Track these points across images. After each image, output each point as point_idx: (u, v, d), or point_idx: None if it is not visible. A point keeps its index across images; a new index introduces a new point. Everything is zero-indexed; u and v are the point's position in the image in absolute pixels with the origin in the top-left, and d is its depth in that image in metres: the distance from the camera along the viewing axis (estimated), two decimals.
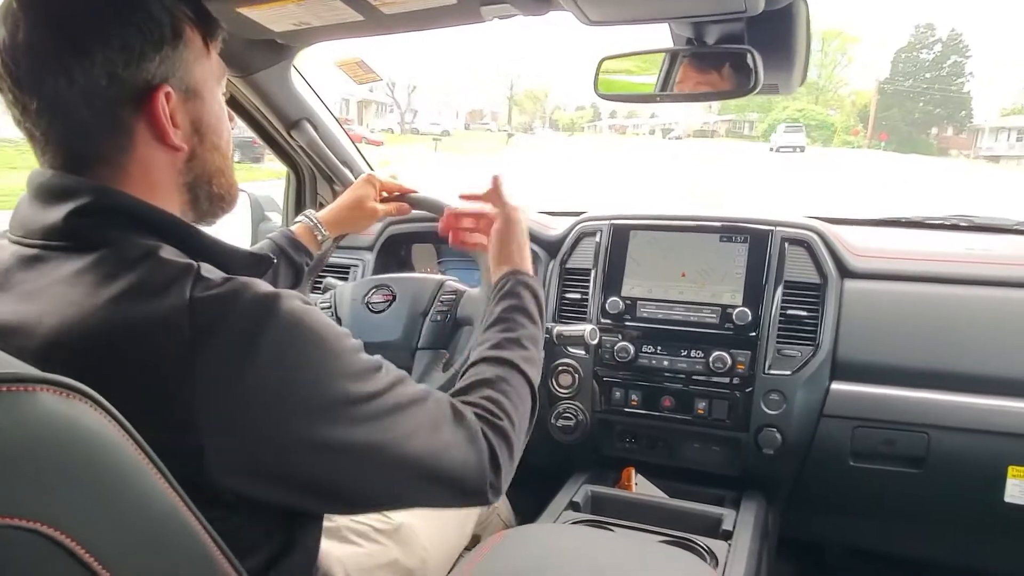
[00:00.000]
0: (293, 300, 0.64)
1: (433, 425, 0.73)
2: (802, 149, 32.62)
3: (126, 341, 0.59)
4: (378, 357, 0.72)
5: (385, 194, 1.34)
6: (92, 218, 0.64)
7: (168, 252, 0.64)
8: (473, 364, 0.90)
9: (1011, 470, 1.30)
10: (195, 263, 0.63)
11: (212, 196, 0.77)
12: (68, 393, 0.49)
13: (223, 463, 0.59)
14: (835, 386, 1.40)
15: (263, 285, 0.64)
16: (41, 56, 0.64)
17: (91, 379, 0.51)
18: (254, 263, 0.73)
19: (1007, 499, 1.30)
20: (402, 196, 1.34)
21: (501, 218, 1.11)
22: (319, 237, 1.24)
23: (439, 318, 1.28)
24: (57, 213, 0.64)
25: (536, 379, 0.93)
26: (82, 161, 0.67)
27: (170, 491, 0.54)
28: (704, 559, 1.18)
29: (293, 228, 1.24)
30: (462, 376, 0.89)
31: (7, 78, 0.64)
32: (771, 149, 33.58)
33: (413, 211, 1.33)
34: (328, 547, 0.95)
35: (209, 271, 0.63)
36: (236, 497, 0.62)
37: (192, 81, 0.71)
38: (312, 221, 1.25)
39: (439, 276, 1.39)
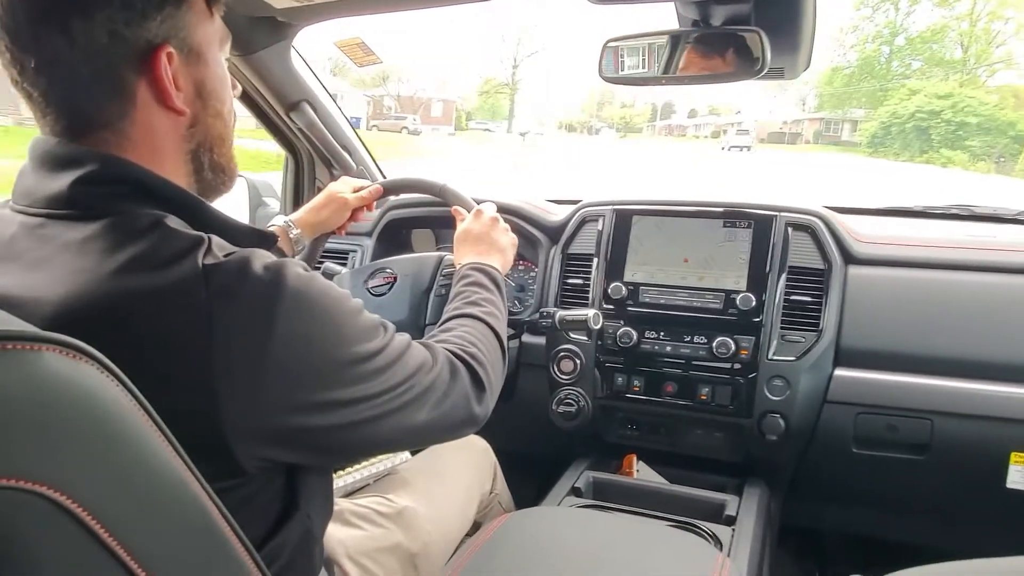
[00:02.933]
0: (298, 267, 0.66)
1: (422, 368, 0.78)
2: (749, 148, 33.00)
3: (139, 308, 0.59)
4: (376, 316, 0.76)
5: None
6: (98, 187, 0.64)
7: (175, 223, 0.64)
8: (439, 325, 0.98)
9: (1014, 456, 1.30)
10: (205, 235, 0.64)
11: (215, 166, 0.75)
12: (74, 354, 0.47)
13: (239, 425, 0.60)
14: (838, 372, 1.40)
15: (268, 255, 0.65)
16: (40, 11, 0.62)
17: (101, 346, 0.50)
18: (259, 239, 0.73)
19: (1009, 485, 1.30)
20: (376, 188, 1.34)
21: (468, 217, 1.20)
22: (291, 235, 1.23)
23: (443, 292, 1.27)
24: (62, 181, 0.63)
25: (500, 329, 0.99)
26: (84, 125, 0.66)
27: (176, 458, 0.53)
28: (708, 543, 1.17)
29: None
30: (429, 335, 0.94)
31: (4, 35, 0.62)
32: (722, 148, 33.33)
33: (412, 196, 1.32)
34: (330, 530, 0.94)
35: (218, 244, 0.64)
36: (251, 460, 0.62)
37: (194, 43, 0.69)
38: (285, 222, 1.25)
39: (437, 253, 1.38)
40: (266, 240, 0.74)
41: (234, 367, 0.59)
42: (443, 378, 0.81)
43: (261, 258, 0.63)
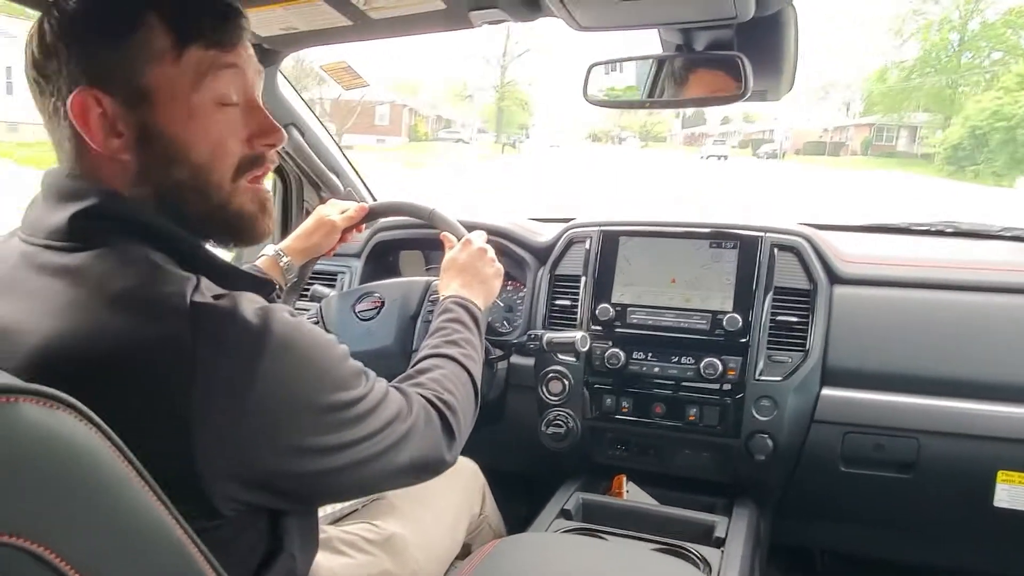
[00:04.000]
0: (284, 313, 0.66)
1: (399, 416, 0.78)
2: (725, 158, 32.39)
3: (121, 343, 0.59)
4: (359, 363, 0.76)
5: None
6: (95, 221, 0.65)
7: (164, 261, 0.65)
8: (415, 364, 0.97)
9: (1000, 475, 1.30)
10: (194, 275, 0.64)
11: (198, 217, 0.70)
12: (52, 404, 0.47)
13: (216, 468, 0.60)
14: (825, 392, 1.40)
15: (257, 299, 0.65)
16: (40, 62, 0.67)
17: (83, 384, 0.51)
18: (257, 286, 0.72)
19: (996, 504, 1.31)
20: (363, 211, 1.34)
21: (456, 246, 1.20)
22: (282, 263, 1.23)
23: (430, 318, 1.28)
24: (63, 214, 0.65)
25: (475, 373, 0.99)
26: (80, 161, 0.68)
27: (157, 503, 0.53)
28: (697, 566, 1.17)
29: (258, 263, 1.23)
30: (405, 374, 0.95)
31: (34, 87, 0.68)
32: (701, 157, 32.47)
33: (400, 218, 1.32)
34: (318, 559, 0.94)
35: (207, 285, 0.64)
36: (227, 502, 0.62)
37: (143, 84, 0.65)
38: (275, 252, 1.24)
39: (425, 278, 1.38)
40: (264, 287, 0.73)
41: (214, 410, 0.59)
42: (418, 426, 0.81)
43: (250, 302, 0.64)
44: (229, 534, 0.65)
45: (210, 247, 0.73)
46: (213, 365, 0.59)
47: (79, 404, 0.49)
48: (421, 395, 0.86)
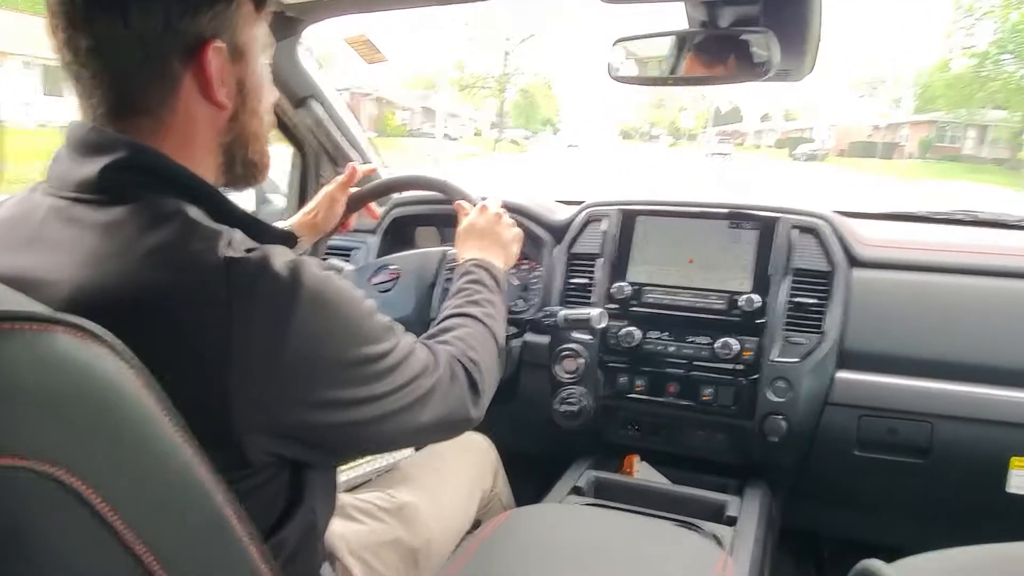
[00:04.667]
0: (315, 267, 0.67)
1: (425, 371, 0.79)
2: (727, 155, 32.57)
3: (157, 296, 0.60)
4: (387, 318, 0.77)
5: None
6: (126, 173, 0.65)
7: (198, 215, 0.65)
8: (438, 323, 0.98)
9: (1014, 461, 1.29)
10: (226, 228, 0.65)
11: (247, 161, 0.77)
12: (86, 336, 0.48)
13: (249, 419, 0.61)
14: (840, 374, 1.40)
15: (287, 252, 0.66)
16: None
17: (117, 332, 0.51)
18: (281, 238, 0.74)
19: (1010, 490, 1.30)
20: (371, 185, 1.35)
21: (472, 212, 1.21)
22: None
23: (448, 287, 1.28)
24: (93, 167, 0.65)
25: (498, 332, 1.01)
26: (126, 109, 0.68)
27: (186, 445, 0.54)
28: (711, 542, 1.17)
29: None
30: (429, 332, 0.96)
31: (62, 16, 0.65)
32: (706, 155, 32.41)
33: (417, 193, 1.32)
34: (332, 525, 0.94)
35: (240, 238, 0.65)
36: (258, 453, 0.63)
37: (240, 41, 0.71)
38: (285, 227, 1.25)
39: (440, 248, 1.38)
40: (288, 239, 0.75)
41: (249, 362, 0.60)
42: (444, 381, 0.82)
43: (281, 255, 0.64)
44: (252, 484, 0.65)
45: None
46: (248, 318, 0.60)
47: (114, 339, 0.49)
48: (447, 351, 0.87)
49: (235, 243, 0.63)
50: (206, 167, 0.73)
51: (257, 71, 0.75)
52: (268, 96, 0.78)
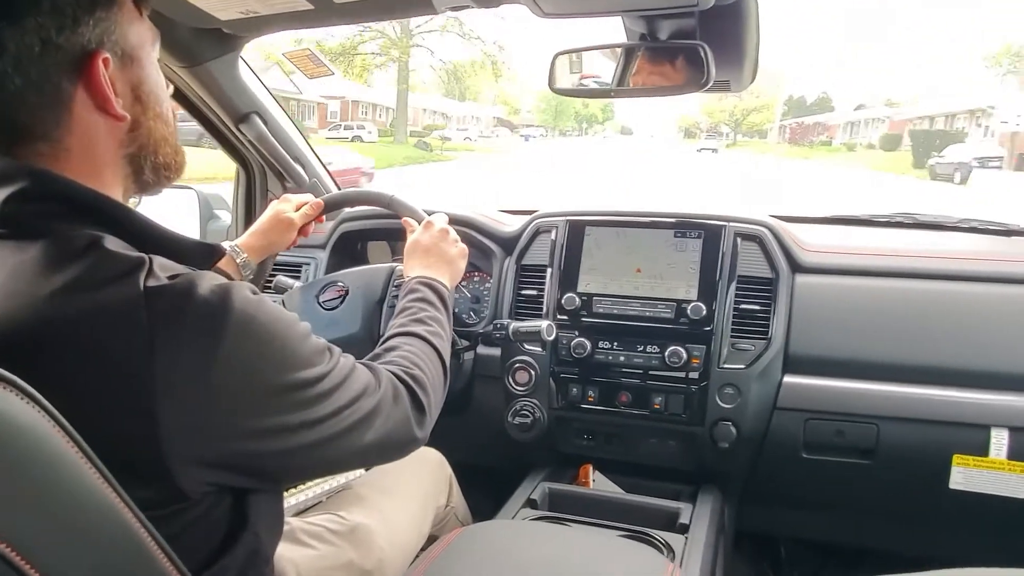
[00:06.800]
0: (245, 291, 0.65)
1: (366, 392, 0.77)
2: (715, 151, 35.04)
3: (74, 333, 0.58)
4: (323, 340, 0.75)
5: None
6: (32, 205, 0.62)
7: (114, 243, 0.63)
8: (381, 343, 0.97)
9: (956, 458, 1.33)
10: (146, 256, 0.62)
11: (157, 166, 0.74)
12: None
13: (182, 451, 0.59)
14: (787, 379, 1.42)
15: (216, 277, 0.64)
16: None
17: (32, 373, 0.49)
18: (205, 253, 0.72)
19: (952, 486, 1.33)
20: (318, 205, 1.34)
21: (418, 229, 1.21)
22: (238, 261, 1.22)
23: (396, 303, 1.27)
24: None
25: (443, 350, 1.00)
26: (21, 136, 0.64)
27: (105, 486, 0.52)
28: (661, 552, 1.18)
29: None
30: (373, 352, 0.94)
31: None
32: (697, 150, 34.91)
33: (365, 208, 1.31)
34: (281, 550, 0.93)
35: (161, 265, 0.62)
36: (194, 484, 0.61)
37: (128, 46, 0.68)
38: (231, 248, 1.23)
39: (389, 264, 1.37)
40: (212, 253, 0.74)
41: (176, 392, 0.58)
42: (386, 401, 0.80)
43: (208, 280, 0.62)
44: (196, 514, 0.64)
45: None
46: (173, 346, 0.58)
47: (24, 384, 0.48)
48: (389, 371, 0.85)
49: (156, 271, 0.61)
50: (114, 182, 0.70)
51: (152, 73, 0.72)
52: (167, 95, 0.75)
